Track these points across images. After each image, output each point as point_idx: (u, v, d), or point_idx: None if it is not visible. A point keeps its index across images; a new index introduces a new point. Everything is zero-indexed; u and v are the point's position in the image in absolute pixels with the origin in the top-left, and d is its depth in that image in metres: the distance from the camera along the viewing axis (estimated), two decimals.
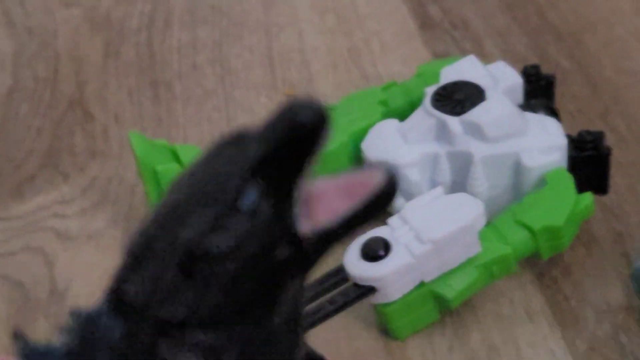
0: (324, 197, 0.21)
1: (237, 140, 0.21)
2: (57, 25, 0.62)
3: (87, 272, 0.44)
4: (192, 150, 0.43)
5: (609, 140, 0.48)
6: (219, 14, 0.61)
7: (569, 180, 0.40)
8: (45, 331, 0.41)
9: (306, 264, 0.21)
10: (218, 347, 0.20)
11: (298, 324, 0.22)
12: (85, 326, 0.20)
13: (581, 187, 0.41)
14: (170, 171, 0.42)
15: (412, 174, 0.41)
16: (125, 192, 0.49)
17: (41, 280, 0.44)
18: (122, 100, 0.55)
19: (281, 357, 0.22)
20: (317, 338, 0.39)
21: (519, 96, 0.44)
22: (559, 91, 0.51)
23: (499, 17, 0.57)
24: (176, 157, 0.43)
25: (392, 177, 0.21)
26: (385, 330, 0.40)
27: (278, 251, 0.20)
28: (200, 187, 0.20)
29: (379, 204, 0.21)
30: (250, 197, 0.20)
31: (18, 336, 0.21)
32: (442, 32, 0.57)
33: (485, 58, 0.54)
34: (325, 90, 0.54)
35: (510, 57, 0.54)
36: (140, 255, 0.20)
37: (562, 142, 0.41)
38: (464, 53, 0.55)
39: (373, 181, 0.21)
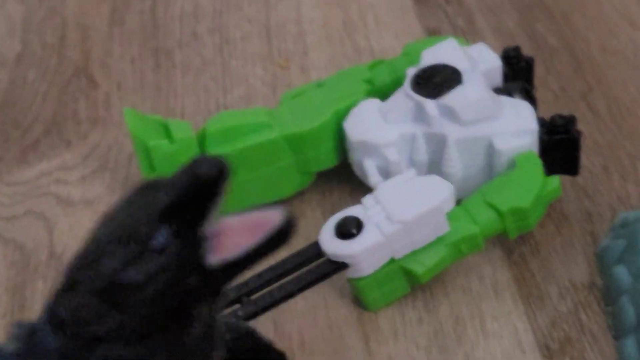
0: (229, 233, 0.25)
1: (150, 188, 0.24)
2: None
3: (85, 237, 0.47)
4: (184, 126, 0.45)
5: (588, 120, 0.50)
6: None
7: (537, 164, 0.42)
8: (43, 293, 0.45)
9: (214, 290, 0.24)
10: (143, 358, 0.23)
11: (213, 335, 0.25)
12: (28, 336, 0.23)
13: (553, 169, 0.43)
14: (161, 147, 0.44)
15: (390, 154, 0.43)
16: (123, 160, 0.51)
17: (41, 244, 0.47)
18: (124, 69, 0.57)
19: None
20: (295, 307, 0.42)
21: (498, 78, 0.46)
22: (545, 69, 0.53)
23: None
24: (168, 133, 0.45)
25: (289, 218, 0.24)
26: (359, 301, 0.42)
27: (189, 280, 0.23)
28: (117, 229, 0.23)
29: (276, 242, 0.24)
30: (160, 238, 0.23)
31: None
32: (436, 7, 0.58)
33: (476, 34, 0.56)
34: (319, 62, 0.56)
35: (500, 34, 0.56)
36: (70, 281, 0.23)
37: (533, 126, 0.43)
38: (455, 29, 0.57)
39: (273, 220, 0.24)
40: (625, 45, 0.54)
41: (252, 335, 0.32)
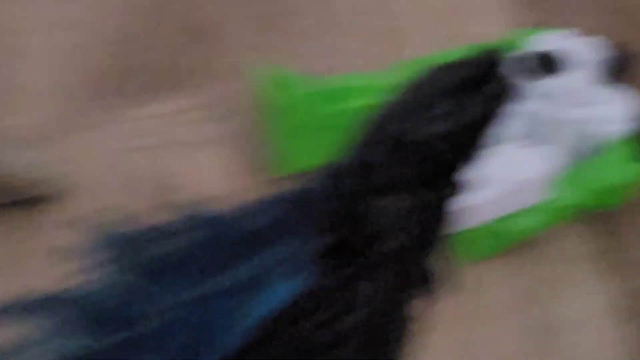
0: None
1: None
2: None
3: (197, 175, 0.51)
4: (303, 80, 0.49)
5: None
6: None
7: (631, 149, 0.46)
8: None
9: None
10: (410, 207, 0.28)
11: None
12: (334, 176, 0.28)
13: None
14: (281, 98, 0.48)
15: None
16: (239, 109, 0.55)
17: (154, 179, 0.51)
18: (245, 25, 0.60)
19: (446, 220, 0.30)
20: None
21: (601, 69, 0.50)
22: None
23: None
24: (293, 86, 0.49)
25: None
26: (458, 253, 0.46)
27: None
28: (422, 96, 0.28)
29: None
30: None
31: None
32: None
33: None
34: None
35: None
36: (377, 133, 0.28)
37: (629, 114, 0.47)
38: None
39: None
40: None
41: None
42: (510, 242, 0.45)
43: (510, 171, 0.44)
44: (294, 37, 0.61)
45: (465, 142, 0.29)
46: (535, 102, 0.47)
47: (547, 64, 0.47)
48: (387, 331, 0.28)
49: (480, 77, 0.28)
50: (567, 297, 0.45)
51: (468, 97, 0.28)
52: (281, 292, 0.26)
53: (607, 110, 0.47)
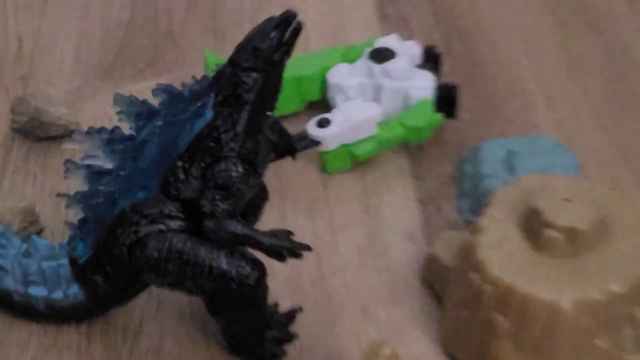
0: None
1: None
2: None
3: None
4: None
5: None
6: None
7: (431, 106, 0.77)
8: None
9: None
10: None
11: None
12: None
13: (439, 111, 0.78)
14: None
15: (350, 91, 0.78)
16: None
17: None
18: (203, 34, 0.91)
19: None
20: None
21: (418, 60, 0.80)
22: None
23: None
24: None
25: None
26: (323, 168, 0.76)
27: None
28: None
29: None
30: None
31: None
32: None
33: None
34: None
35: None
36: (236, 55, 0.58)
37: (433, 86, 0.77)
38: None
39: None
40: None
41: None
42: (355, 160, 0.75)
43: (356, 114, 0.75)
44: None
45: None
46: (376, 77, 0.78)
47: (383, 55, 0.78)
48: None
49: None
50: (390, 192, 0.75)
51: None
52: (202, 122, 0.57)
53: (419, 83, 0.77)
